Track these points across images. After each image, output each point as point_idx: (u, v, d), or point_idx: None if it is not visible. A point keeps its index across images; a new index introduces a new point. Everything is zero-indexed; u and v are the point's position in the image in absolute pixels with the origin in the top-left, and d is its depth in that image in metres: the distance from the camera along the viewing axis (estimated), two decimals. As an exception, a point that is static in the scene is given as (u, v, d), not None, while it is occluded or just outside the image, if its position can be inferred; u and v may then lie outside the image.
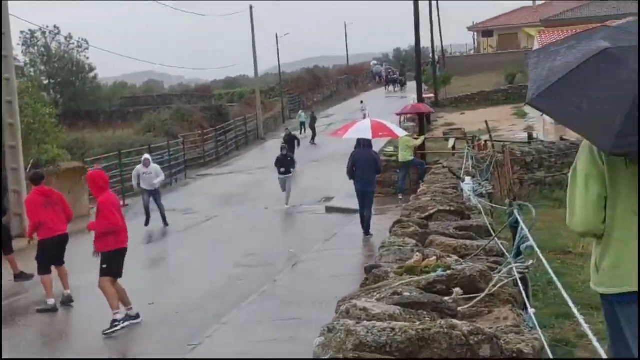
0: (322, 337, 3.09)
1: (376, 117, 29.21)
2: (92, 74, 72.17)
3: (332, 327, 3.11)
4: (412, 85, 58.05)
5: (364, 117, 42.86)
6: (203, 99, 64.32)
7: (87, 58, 71.53)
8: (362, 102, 54.10)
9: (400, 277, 4.16)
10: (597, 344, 2.06)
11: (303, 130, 48.37)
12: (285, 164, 25.59)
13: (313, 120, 46.59)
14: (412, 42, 34.20)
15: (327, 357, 2.66)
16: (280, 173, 25.37)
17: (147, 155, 24.70)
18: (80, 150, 38.59)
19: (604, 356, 1.98)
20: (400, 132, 22.24)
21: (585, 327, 2.26)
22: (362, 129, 20.07)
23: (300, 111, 53.33)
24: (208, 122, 48.94)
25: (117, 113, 67.70)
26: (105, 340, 11.39)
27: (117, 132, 47.72)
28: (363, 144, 18.58)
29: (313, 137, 44.81)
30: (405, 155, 23.94)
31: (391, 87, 74.36)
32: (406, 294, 3.66)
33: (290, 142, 34.55)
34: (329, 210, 23.79)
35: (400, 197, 22.97)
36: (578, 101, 4.06)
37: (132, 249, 19.44)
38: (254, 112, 51.36)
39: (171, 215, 25.47)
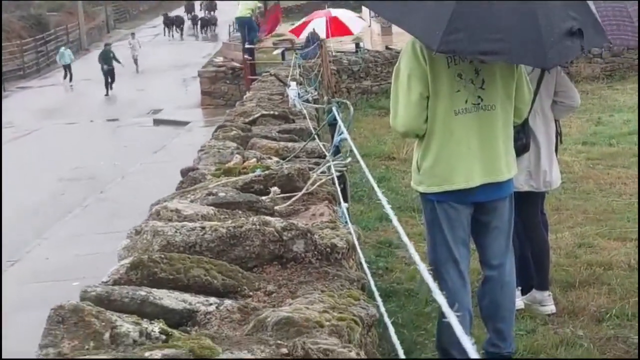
0: (129, 240, 2.91)
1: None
2: None
3: (140, 230, 2.93)
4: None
5: (134, 59, 35.41)
6: (20, 8, 60.71)
7: None
8: (133, 34, 39.04)
9: (217, 178, 4.01)
10: (409, 244, 1.99)
11: (68, 75, 34.41)
12: None
13: (107, 56, 31.44)
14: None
15: (131, 259, 2.48)
16: None
17: None
18: None
19: (419, 262, 1.89)
20: (357, 29, 21.39)
21: (397, 225, 2.18)
22: (318, 29, 19.17)
23: (62, 48, 36.77)
24: (27, 32, 46.30)
25: None
26: None
27: None
28: (312, 42, 17.92)
29: (109, 84, 30.65)
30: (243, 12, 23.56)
31: (175, 31, 49.78)
32: (221, 194, 3.52)
33: None
34: (157, 122, 23.25)
35: None
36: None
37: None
38: (76, 21, 49.05)
39: (-12, 129, 24.16)
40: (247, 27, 24.27)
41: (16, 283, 9.63)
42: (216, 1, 54.42)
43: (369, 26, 32.20)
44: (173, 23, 49.20)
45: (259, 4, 29.08)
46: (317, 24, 20.30)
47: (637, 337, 5.02)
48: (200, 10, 54.73)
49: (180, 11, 55.02)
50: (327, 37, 19.26)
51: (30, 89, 34.20)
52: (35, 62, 40.85)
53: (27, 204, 13.61)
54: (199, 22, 50.17)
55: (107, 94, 30.14)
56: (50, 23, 49.08)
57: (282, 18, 32.54)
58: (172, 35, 48.84)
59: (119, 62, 31.77)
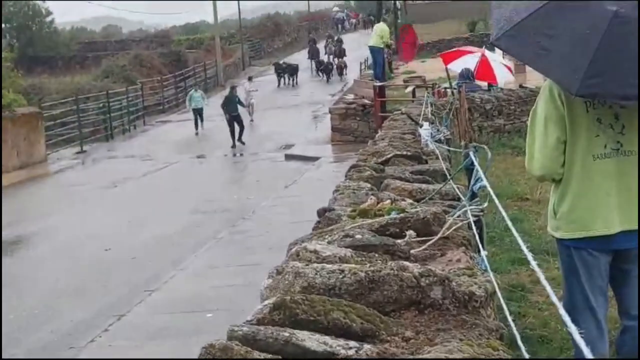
0: (271, 280, 3.01)
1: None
2: (48, 19, 70.61)
3: (281, 270, 3.03)
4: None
5: (249, 105, 31.34)
6: (162, 45, 63.36)
7: (43, 1, 69.93)
8: (250, 78, 35.27)
9: (353, 220, 4.08)
10: (549, 288, 2.01)
11: (200, 122, 30.76)
12: None
13: (231, 101, 27.77)
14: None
15: (274, 299, 2.58)
16: None
17: None
18: (37, 95, 37.84)
19: (557, 302, 1.93)
20: (502, 79, 21.24)
21: (537, 270, 2.20)
22: (468, 65, 19.21)
23: (192, 91, 32.71)
24: (167, 69, 48.31)
25: (75, 58, 66.31)
26: (62, 284, 11.30)
27: (75, 77, 46.79)
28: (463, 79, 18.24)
29: (237, 134, 26.94)
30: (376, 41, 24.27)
31: (288, 80, 43.24)
32: (358, 236, 3.58)
33: None
34: (289, 157, 23.65)
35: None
36: (543, 42, 3.99)
37: (91, 194, 19.43)
38: (213, 58, 50.74)
39: (130, 161, 25.26)
40: (375, 60, 24.59)
41: (153, 312, 9.98)
42: (344, 46, 46.64)
43: (514, 82, 31.12)
44: (285, 71, 43.42)
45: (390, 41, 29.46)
46: (470, 60, 19.84)
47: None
48: (325, 54, 47.83)
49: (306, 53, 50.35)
50: (475, 78, 19.03)
51: (169, 123, 35.52)
52: (174, 97, 42.48)
53: (164, 234, 14.11)
54: (323, 69, 43.99)
55: (233, 145, 26.65)
56: (189, 60, 50.96)
57: (418, 41, 32.24)
58: (286, 84, 42.96)
59: (243, 105, 28.92)
